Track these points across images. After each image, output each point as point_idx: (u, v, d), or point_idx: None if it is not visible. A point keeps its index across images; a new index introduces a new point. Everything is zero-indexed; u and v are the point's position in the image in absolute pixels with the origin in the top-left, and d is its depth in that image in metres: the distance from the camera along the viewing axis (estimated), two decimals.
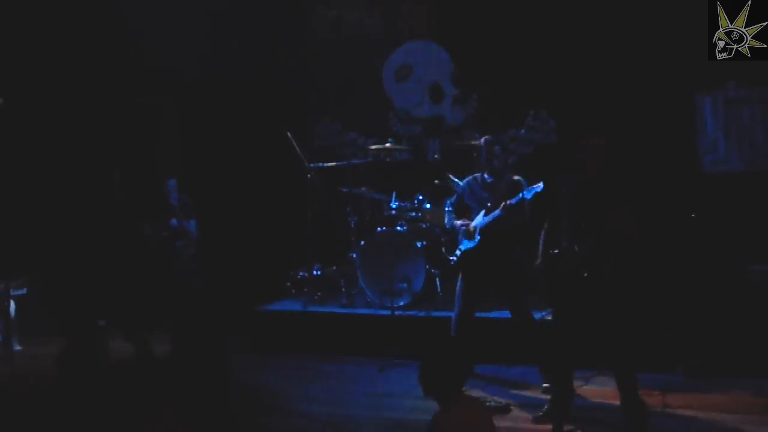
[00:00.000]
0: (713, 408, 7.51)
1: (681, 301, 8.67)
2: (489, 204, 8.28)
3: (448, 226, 8.88)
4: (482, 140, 8.50)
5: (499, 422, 7.41)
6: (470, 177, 8.67)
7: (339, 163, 10.84)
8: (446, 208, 9.12)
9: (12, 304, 10.28)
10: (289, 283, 10.84)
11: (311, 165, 10.66)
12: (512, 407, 7.68)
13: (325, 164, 10.83)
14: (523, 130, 10.27)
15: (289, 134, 10.55)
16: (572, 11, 10.35)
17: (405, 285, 9.81)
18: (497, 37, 10.77)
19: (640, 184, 7.41)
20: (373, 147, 10.82)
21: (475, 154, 8.55)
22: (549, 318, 8.53)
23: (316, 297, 10.55)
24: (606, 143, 7.02)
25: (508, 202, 8.04)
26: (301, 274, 10.87)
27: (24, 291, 10.61)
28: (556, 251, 7.07)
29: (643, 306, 8.11)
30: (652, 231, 7.55)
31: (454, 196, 8.85)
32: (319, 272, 10.89)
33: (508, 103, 10.68)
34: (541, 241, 7.36)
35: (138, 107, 12.00)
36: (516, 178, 8.33)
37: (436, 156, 10.81)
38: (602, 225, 6.77)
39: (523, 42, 10.58)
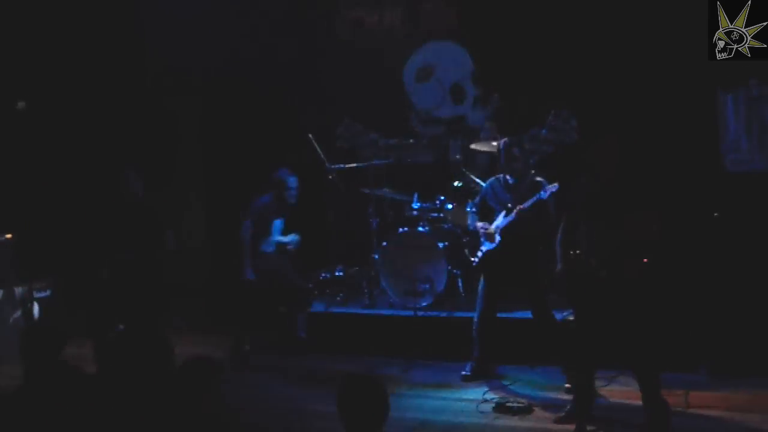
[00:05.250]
0: (737, 408, 7.48)
1: (704, 300, 8.61)
2: (509, 205, 8.30)
3: (470, 228, 8.88)
4: (501, 142, 8.52)
5: (521, 423, 7.45)
6: (493, 178, 8.70)
7: (360, 164, 10.83)
8: (469, 209, 9.11)
9: (35, 306, 10.33)
10: (311, 284, 10.86)
11: (332, 166, 10.68)
12: (534, 408, 7.68)
13: (347, 165, 10.83)
14: (544, 130, 10.22)
15: (310, 135, 10.57)
16: (593, 9, 10.31)
17: (427, 286, 9.80)
18: (518, 36, 10.72)
19: (661, 183, 7.37)
20: (395, 147, 10.80)
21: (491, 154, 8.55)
22: (571, 318, 8.51)
23: (338, 298, 10.58)
24: (620, 143, 6.99)
25: (520, 206, 8.08)
26: (323, 275, 10.89)
27: (47, 293, 10.67)
28: (576, 252, 7.06)
29: (666, 306, 8.08)
30: (675, 230, 7.50)
31: (478, 197, 8.86)
32: (341, 273, 10.92)
33: (529, 102, 10.62)
34: (558, 243, 7.33)
35: (159, 110, 12.04)
36: (538, 179, 8.34)
37: (457, 156, 10.79)
38: (619, 230, 6.76)
39: (543, 41, 10.53)
